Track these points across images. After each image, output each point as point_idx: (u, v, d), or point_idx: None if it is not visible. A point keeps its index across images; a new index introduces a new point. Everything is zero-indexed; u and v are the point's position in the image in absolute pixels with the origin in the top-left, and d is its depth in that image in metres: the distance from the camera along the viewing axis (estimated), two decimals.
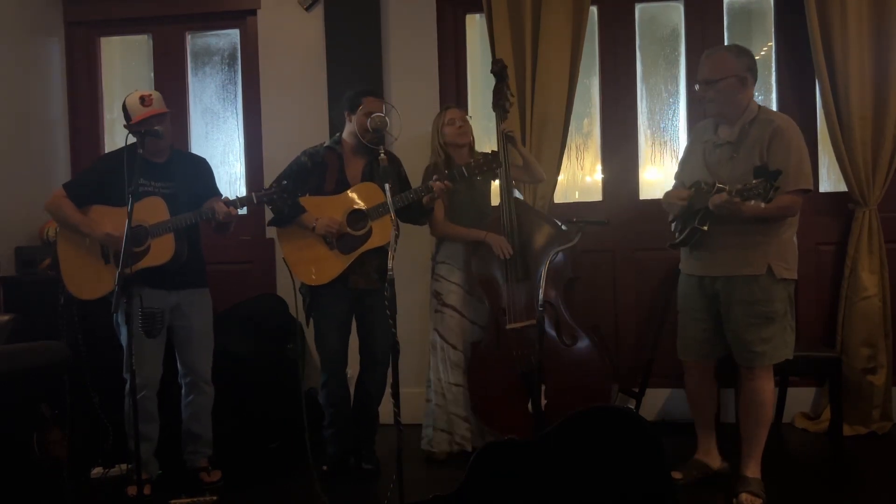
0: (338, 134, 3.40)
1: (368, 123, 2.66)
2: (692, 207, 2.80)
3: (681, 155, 3.18)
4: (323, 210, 3.24)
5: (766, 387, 2.88)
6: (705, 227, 2.74)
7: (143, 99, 3.17)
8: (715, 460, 3.10)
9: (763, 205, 2.50)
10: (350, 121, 3.31)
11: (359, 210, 3.22)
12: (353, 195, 3.25)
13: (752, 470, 2.89)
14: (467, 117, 3.60)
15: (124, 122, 3.21)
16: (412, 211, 3.30)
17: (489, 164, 3.18)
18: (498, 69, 3.53)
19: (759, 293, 2.79)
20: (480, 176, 3.26)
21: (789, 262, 2.83)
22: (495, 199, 3.63)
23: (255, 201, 3.11)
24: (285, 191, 3.10)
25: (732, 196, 2.56)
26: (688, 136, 3.03)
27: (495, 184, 3.64)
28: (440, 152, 3.54)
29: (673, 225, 3.01)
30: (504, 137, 3.44)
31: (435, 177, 3.18)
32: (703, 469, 3.07)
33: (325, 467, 3.32)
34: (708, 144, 2.93)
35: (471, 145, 3.59)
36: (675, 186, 3.08)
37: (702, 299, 2.94)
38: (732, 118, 2.85)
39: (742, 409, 2.94)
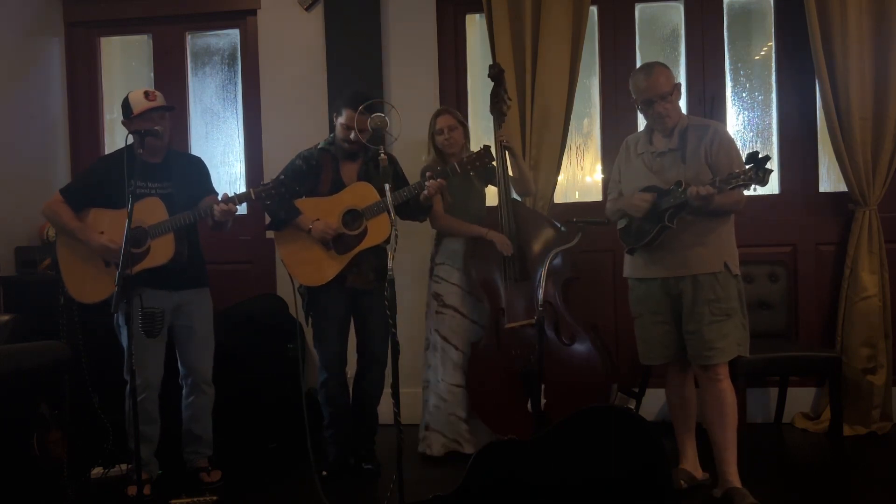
0: (331, 135, 3.40)
1: (368, 123, 2.66)
2: (659, 208, 2.84)
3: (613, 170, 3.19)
4: (318, 211, 3.24)
5: (731, 387, 2.89)
6: (674, 225, 2.81)
7: (147, 94, 3.17)
8: (697, 471, 3.07)
9: (754, 188, 2.65)
10: (338, 124, 3.32)
11: (354, 210, 3.22)
12: (347, 195, 3.26)
13: (737, 478, 2.87)
14: (459, 124, 3.57)
15: (123, 119, 3.21)
16: (410, 208, 3.31)
17: (481, 159, 3.18)
18: (495, 73, 3.54)
19: (720, 290, 2.84)
20: (473, 171, 3.27)
21: (736, 259, 2.92)
22: (492, 201, 3.63)
23: (252, 197, 3.11)
24: (283, 185, 3.10)
25: (716, 185, 2.67)
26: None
27: (490, 188, 3.64)
28: (433, 151, 3.58)
29: (626, 229, 3.01)
30: (501, 147, 3.45)
31: (428, 174, 3.19)
32: (689, 478, 3.04)
33: (324, 472, 3.31)
34: (646, 155, 2.99)
35: (462, 150, 3.57)
36: (613, 199, 3.11)
37: (665, 301, 2.95)
38: (673, 127, 2.93)
39: (711, 415, 2.91)
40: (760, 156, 2.59)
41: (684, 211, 2.80)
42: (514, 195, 3.63)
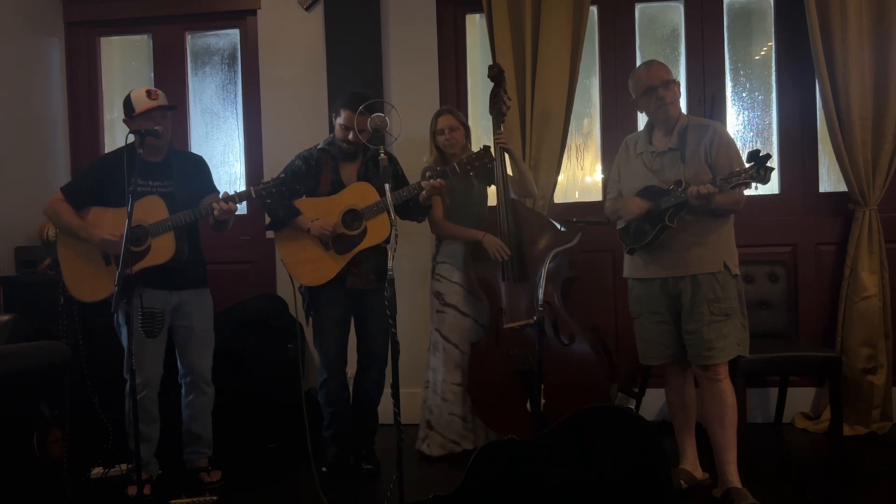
0: (331, 135, 3.40)
1: (368, 123, 2.66)
2: (659, 207, 2.84)
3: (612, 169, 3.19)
4: (318, 211, 3.24)
5: (731, 387, 2.89)
6: (674, 224, 2.81)
7: (149, 93, 3.18)
8: (697, 471, 3.08)
9: (755, 187, 2.66)
10: (336, 124, 3.33)
11: (353, 210, 3.23)
12: (347, 195, 3.26)
13: (737, 478, 2.86)
14: (460, 124, 3.57)
15: (124, 117, 3.21)
16: (410, 208, 3.31)
17: (480, 160, 3.18)
18: (494, 74, 3.54)
19: (720, 290, 2.84)
20: (472, 171, 3.27)
21: (736, 259, 2.92)
22: (493, 201, 3.63)
23: (252, 195, 3.11)
24: (283, 184, 3.11)
25: (717, 183, 2.67)
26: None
27: (492, 188, 3.64)
28: (434, 151, 3.58)
29: (625, 230, 3.01)
30: (499, 149, 3.45)
31: (427, 174, 3.19)
32: (689, 478, 3.04)
33: (324, 469, 3.32)
34: (645, 155, 2.99)
35: (463, 151, 3.57)
36: (613, 198, 3.11)
37: (664, 301, 2.94)
38: (673, 123, 2.94)
39: (711, 415, 2.90)
40: (761, 154, 2.59)
41: (684, 210, 2.80)
42: (514, 195, 3.63)
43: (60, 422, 3.30)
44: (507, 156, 3.53)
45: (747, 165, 2.63)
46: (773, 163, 2.62)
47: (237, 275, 4.33)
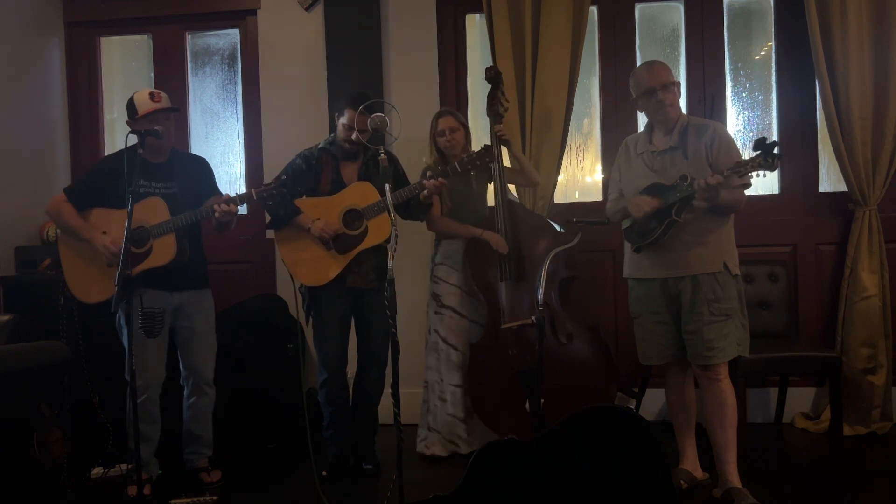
0: (331, 135, 3.40)
1: (369, 123, 2.66)
2: (665, 202, 2.83)
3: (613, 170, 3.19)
4: (319, 211, 3.24)
5: (731, 387, 2.89)
6: (681, 219, 2.80)
7: (152, 95, 3.18)
8: (697, 471, 3.08)
9: (763, 175, 2.66)
10: (339, 124, 3.33)
11: (354, 209, 3.23)
12: (348, 195, 3.26)
13: (737, 478, 2.86)
14: (460, 125, 3.57)
15: (127, 119, 3.21)
16: (410, 207, 3.32)
17: (482, 159, 3.19)
18: (492, 76, 3.54)
19: (720, 290, 2.84)
20: (473, 170, 3.27)
21: (736, 259, 2.92)
22: (492, 201, 3.63)
23: (254, 197, 3.11)
24: (284, 185, 3.10)
25: (724, 174, 2.67)
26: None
27: (492, 186, 3.64)
28: (434, 152, 3.58)
29: (630, 228, 3.01)
30: (497, 140, 3.45)
31: (429, 174, 3.19)
32: (689, 478, 3.04)
33: (324, 472, 3.32)
34: (646, 155, 2.99)
35: (463, 152, 3.57)
36: (614, 198, 3.11)
37: (664, 301, 2.94)
38: (672, 124, 2.94)
39: (711, 415, 2.90)
40: (768, 142, 2.59)
41: (690, 205, 2.78)
42: (513, 195, 3.63)
43: (60, 422, 3.31)
44: (504, 150, 3.52)
45: (755, 153, 2.63)
46: (778, 149, 2.63)
47: (237, 275, 4.33)
